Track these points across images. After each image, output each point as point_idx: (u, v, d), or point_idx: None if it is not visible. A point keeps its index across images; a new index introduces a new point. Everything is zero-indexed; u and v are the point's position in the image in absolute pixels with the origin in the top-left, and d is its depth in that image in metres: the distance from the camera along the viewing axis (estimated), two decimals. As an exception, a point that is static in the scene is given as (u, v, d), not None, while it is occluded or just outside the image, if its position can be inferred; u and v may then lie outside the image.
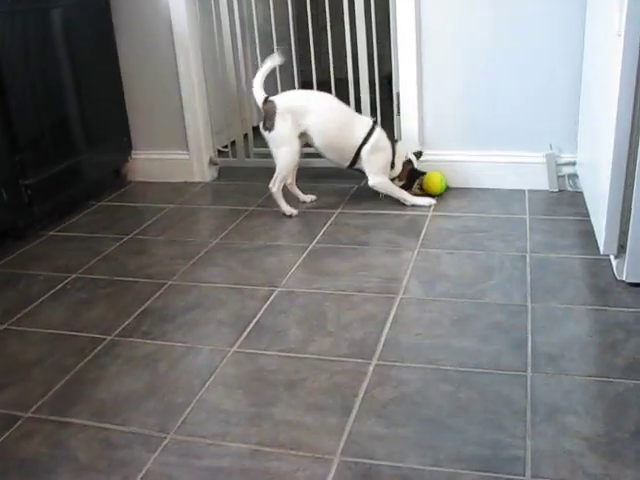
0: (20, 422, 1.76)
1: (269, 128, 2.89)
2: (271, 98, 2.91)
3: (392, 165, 3.03)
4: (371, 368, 1.86)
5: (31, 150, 2.93)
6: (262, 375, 1.86)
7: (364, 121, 3.01)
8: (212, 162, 3.58)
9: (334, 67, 3.32)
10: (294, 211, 2.98)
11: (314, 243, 2.67)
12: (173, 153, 3.58)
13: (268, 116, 2.89)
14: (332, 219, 2.90)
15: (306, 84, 3.48)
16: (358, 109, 3.31)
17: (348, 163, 3.04)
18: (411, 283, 2.32)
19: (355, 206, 3.03)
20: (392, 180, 3.04)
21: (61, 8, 3.07)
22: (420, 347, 1.94)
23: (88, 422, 1.74)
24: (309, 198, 3.16)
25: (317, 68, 3.43)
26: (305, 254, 2.58)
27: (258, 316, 2.16)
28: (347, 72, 3.32)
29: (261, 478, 1.50)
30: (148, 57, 3.46)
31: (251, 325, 2.11)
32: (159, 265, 2.59)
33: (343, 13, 3.21)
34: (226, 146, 3.62)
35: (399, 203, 3.01)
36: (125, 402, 1.80)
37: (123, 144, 3.60)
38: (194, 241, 2.80)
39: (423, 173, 3.10)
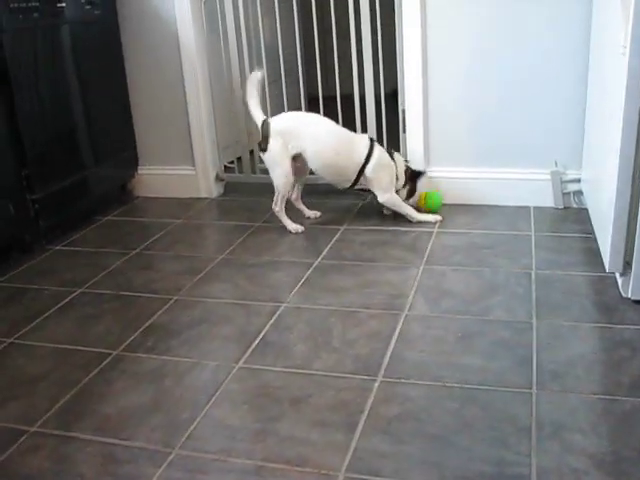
0: (25, 437, 1.76)
1: (264, 149, 2.93)
2: (268, 120, 2.95)
3: (396, 177, 3.03)
4: (376, 385, 1.86)
5: (38, 164, 2.95)
6: (267, 391, 1.86)
7: (362, 141, 2.99)
8: (218, 178, 3.60)
9: (340, 83, 3.34)
10: (300, 228, 2.99)
11: (320, 259, 2.68)
12: (179, 169, 3.59)
13: (263, 137, 2.93)
14: (338, 235, 2.90)
15: (312, 100, 3.50)
16: (364, 126, 3.33)
17: (350, 184, 3.03)
18: (416, 300, 2.32)
19: (361, 222, 3.04)
20: (398, 191, 3.04)
21: (70, 24, 3.09)
22: (425, 364, 1.94)
23: (93, 437, 1.74)
24: (313, 214, 3.17)
25: (323, 84, 3.45)
26: (311, 270, 2.58)
27: (264, 332, 2.17)
28: (353, 88, 3.33)
29: (266, 494, 1.51)
30: (155, 73, 3.48)
31: (257, 341, 2.12)
32: (165, 280, 2.60)
33: (349, 30, 3.22)
34: (232, 162, 3.63)
35: (405, 220, 3.02)
36: (130, 417, 1.80)
37: (130, 159, 3.62)
38: (200, 256, 2.81)
39: (422, 172, 3.09)
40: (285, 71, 3.42)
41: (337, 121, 3.34)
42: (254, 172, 3.57)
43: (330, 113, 3.32)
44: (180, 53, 3.40)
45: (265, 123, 2.94)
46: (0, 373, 2.05)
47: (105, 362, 2.07)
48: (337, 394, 1.83)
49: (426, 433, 1.65)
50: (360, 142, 2.99)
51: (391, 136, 3.32)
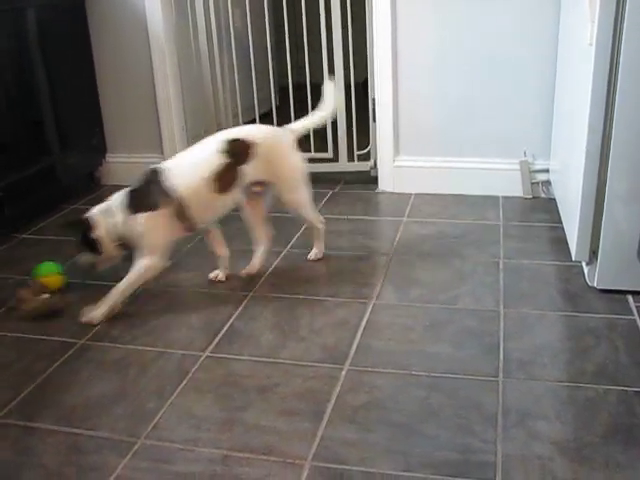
0: (-16, 427, 1.74)
1: None
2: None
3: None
4: (343, 373, 1.86)
5: (2, 152, 2.90)
6: (234, 380, 1.85)
7: None
8: (187, 166, 3.57)
9: (311, 73, 3.32)
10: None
11: (288, 248, 2.67)
12: (148, 157, 3.55)
13: None
14: (307, 224, 2.89)
15: (283, 89, 3.48)
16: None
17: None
18: (384, 289, 2.32)
19: (331, 210, 3.03)
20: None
21: (36, 8, 3.04)
22: (392, 352, 1.94)
23: (57, 427, 1.72)
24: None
25: (293, 74, 3.43)
26: (279, 259, 2.58)
27: (230, 321, 2.15)
28: (323, 78, 3.31)
29: (232, 483, 1.50)
30: (123, 59, 3.44)
31: (223, 330, 2.10)
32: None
33: (320, 17, 3.20)
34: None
35: (374, 209, 3.02)
36: (95, 407, 1.78)
37: (97, 147, 3.58)
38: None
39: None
40: (255, 59, 3.39)
41: (307, 110, 3.34)
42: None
43: (300, 102, 3.32)
44: (149, 39, 3.36)
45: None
46: None
47: (70, 352, 2.05)
48: (304, 383, 1.82)
49: (392, 421, 1.65)
50: None
51: (361, 125, 3.31)
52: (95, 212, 2.24)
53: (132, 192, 2.23)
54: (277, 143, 2.36)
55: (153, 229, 2.20)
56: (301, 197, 2.43)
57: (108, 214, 2.22)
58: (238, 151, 2.26)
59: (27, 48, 3.03)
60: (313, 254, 2.58)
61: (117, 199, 2.24)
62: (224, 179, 2.24)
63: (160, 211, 2.19)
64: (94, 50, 3.48)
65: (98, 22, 3.42)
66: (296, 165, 2.40)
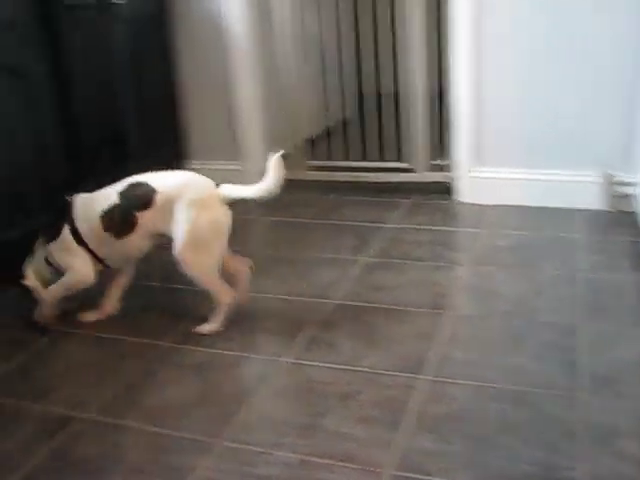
0: (73, 422, 1.80)
1: None
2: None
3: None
4: (422, 383, 1.86)
5: (88, 158, 2.99)
6: (314, 386, 1.87)
7: None
8: (266, 174, 3.61)
9: (388, 80, 3.34)
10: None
11: (368, 257, 2.68)
12: (226, 164, 3.62)
13: None
14: (386, 233, 2.90)
15: (362, 96, 3.50)
16: (414, 125, 3.30)
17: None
18: (463, 300, 2.31)
19: (409, 221, 3.03)
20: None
21: (122, 18, 3.13)
22: (472, 364, 1.93)
23: (140, 425, 1.77)
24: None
25: (375, 81, 3.45)
26: (358, 268, 2.59)
27: (312, 328, 2.18)
28: (398, 86, 3.32)
29: (311, 488, 1.52)
30: (206, 68, 3.52)
31: (305, 336, 2.13)
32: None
33: (394, 26, 3.21)
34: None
35: (452, 218, 3.01)
36: (178, 408, 1.83)
37: (177, 154, 3.65)
38: (247, 251, 2.81)
39: None
40: (337, 68, 3.42)
41: (389, 120, 3.36)
42: (301, 168, 3.57)
43: (382, 112, 3.35)
44: (231, 49, 3.42)
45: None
46: (51, 361, 2.09)
47: (154, 353, 2.10)
48: (383, 391, 1.83)
49: (472, 433, 1.65)
50: None
51: (441, 135, 3.30)
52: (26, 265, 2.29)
53: (44, 228, 2.30)
54: (182, 195, 2.14)
55: (62, 253, 2.25)
56: (196, 260, 2.15)
57: (35, 261, 2.28)
58: (135, 196, 2.19)
59: (113, 57, 3.12)
60: (206, 329, 2.21)
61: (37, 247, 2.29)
62: (117, 222, 2.20)
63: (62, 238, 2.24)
64: (177, 59, 3.56)
65: (181, 32, 3.50)
66: (199, 224, 2.14)
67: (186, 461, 1.63)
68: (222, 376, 1.96)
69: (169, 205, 2.14)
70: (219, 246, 2.20)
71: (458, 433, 1.65)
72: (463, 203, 3.20)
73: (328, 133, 3.57)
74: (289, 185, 3.57)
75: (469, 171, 3.17)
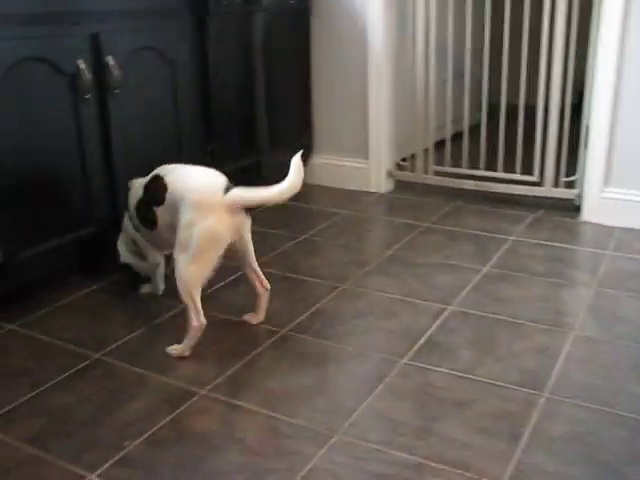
0: (196, 398, 1.85)
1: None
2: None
3: None
4: (542, 400, 1.82)
5: (221, 142, 3.07)
6: (431, 390, 1.86)
7: None
8: (389, 174, 3.62)
9: (519, 91, 3.28)
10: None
11: (488, 267, 2.64)
12: (352, 161, 3.64)
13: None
14: (507, 245, 2.85)
15: (491, 106, 3.45)
16: (544, 139, 3.24)
17: None
18: (587, 321, 2.25)
19: (531, 235, 2.97)
20: None
21: (263, 12, 3.20)
22: (594, 387, 1.88)
23: (258, 408, 1.80)
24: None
25: (506, 92, 3.39)
26: (478, 276, 2.56)
27: (429, 332, 2.17)
28: (536, 98, 3.25)
29: (425, 492, 1.51)
30: (340, 67, 3.54)
31: (422, 340, 2.12)
32: (331, 268, 2.64)
33: (538, 34, 3.15)
34: (405, 159, 3.63)
35: (576, 237, 2.94)
36: (294, 395, 1.85)
37: (305, 147, 3.68)
38: (367, 249, 2.85)
39: None
40: (470, 75, 3.39)
41: (517, 131, 3.30)
42: (426, 172, 3.56)
43: (510, 122, 3.29)
44: (367, 47, 3.43)
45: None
46: (174, 335, 2.15)
47: (273, 339, 2.14)
48: (501, 403, 1.81)
49: (593, 458, 1.60)
50: None
51: (571, 150, 3.22)
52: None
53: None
54: (187, 196, 2.01)
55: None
56: (184, 265, 2.01)
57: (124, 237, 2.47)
58: (153, 190, 2.16)
59: (252, 50, 3.19)
60: (174, 351, 2.07)
61: None
62: (144, 215, 2.23)
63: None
64: (312, 54, 3.60)
65: (320, 28, 3.54)
66: (194, 228, 1.98)
67: (303, 449, 1.65)
68: (340, 370, 1.97)
69: (175, 204, 2.05)
70: (210, 257, 2.01)
71: (579, 456, 1.61)
72: (589, 223, 3.11)
73: (453, 140, 3.53)
74: (412, 188, 3.59)
75: (601, 191, 3.08)
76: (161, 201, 2.12)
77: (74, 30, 2.33)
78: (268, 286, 2.22)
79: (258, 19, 3.18)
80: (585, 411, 1.78)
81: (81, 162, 2.44)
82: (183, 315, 2.09)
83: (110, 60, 2.44)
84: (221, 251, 2.02)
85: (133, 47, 2.55)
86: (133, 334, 2.18)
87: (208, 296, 2.28)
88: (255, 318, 2.25)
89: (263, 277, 2.21)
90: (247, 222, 2.11)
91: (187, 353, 2.06)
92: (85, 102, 2.40)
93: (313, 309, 2.32)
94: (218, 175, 2.10)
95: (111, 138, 2.52)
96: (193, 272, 2.01)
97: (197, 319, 2.03)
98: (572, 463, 1.59)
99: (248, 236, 2.14)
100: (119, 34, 2.48)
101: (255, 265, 2.19)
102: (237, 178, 3.13)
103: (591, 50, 3.03)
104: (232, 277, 2.54)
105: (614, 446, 1.64)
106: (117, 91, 2.48)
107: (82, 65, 2.35)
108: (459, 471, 1.57)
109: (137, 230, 2.33)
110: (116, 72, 2.45)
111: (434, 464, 1.59)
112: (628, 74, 2.93)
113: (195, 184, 2.05)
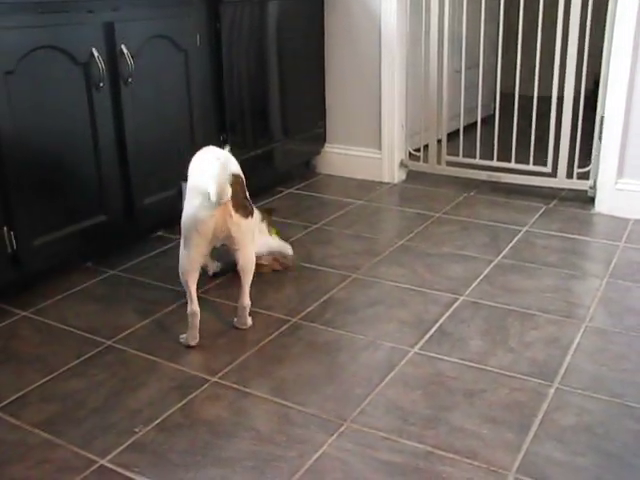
0: (207, 385, 1.86)
1: (250, 212, 2.06)
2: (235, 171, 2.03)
3: None
4: (552, 391, 1.82)
5: (234, 132, 3.08)
6: (441, 380, 1.87)
7: None
8: (402, 164, 3.61)
9: (533, 82, 3.26)
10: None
11: (500, 257, 2.64)
12: (365, 151, 3.64)
13: (242, 196, 2.03)
14: (519, 236, 2.85)
15: (505, 96, 3.43)
16: (558, 130, 3.22)
17: None
18: (598, 312, 2.25)
19: (544, 226, 2.96)
20: None
21: (278, 1, 3.20)
22: (604, 378, 1.88)
23: (269, 396, 1.81)
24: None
25: (519, 83, 3.38)
26: (490, 267, 2.55)
27: (440, 321, 2.17)
28: (550, 89, 3.23)
29: (434, 480, 1.52)
30: (353, 56, 3.54)
31: (433, 329, 2.12)
32: (343, 257, 2.65)
33: (555, 25, 3.13)
34: (418, 149, 3.63)
35: (589, 228, 2.93)
36: (305, 384, 1.86)
37: (318, 136, 3.70)
38: (379, 239, 2.84)
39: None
40: (483, 64, 3.37)
41: (530, 122, 3.28)
42: (439, 162, 3.55)
43: (522, 111, 3.28)
44: (380, 37, 3.43)
45: (233, 176, 1.96)
46: (185, 323, 2.16)
47: (284, 327, 2.15)
48: (511, 393, 1.81)
49: (603, 449, 1.60)
50: None
51: (585, 141, 3.21)
52: None
53: None
54: (189, 179, 2.02)
55: None
56: (180, 249, 2.01)
57: None
58: None
59: (266, 36, 3.19)
60: (182, 338, 2.09)
61: None
62: None
63: None
64: (326, 42, 3.60)
65: (333, 16, 3.54)
66: (185, 212, 1.98)
67: (313, 436, 1.66)
68: (351, 358, 1.98)
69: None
70: (196, 244, 1.96)
71: (588, 447, 1.61)
72: (603, 214, 3.10)
73: (466, 130, 3.52)
74: (425, 178, 3.59)
75: (615, 182, 3.06)
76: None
77: (88, 19, 2.34)
78: (245, 304, 2.13)
79: (272, 7, 3.18)
80: (595, 402, 1.78)
81: (94, 151, 2.45)
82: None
83: (124, 49, 2.45)
84: (206, 240, 1.96)
85: (146, 36, 2.56)
86: (145, 321, 2.20)
87: (220, 284, 2.30)
88: (238, 323, 2.17)
89: (244, 295, 2.12)
90: (240, 222, 1.98)
91: (192, 342, 2.06)
92: (99, 90, 2.41)
93: (324, 298, 2.33)
94: (223, 162, 1.92)
95: (124, 127, 2.53)
96: (182, 256, 2.00)
97: (189, 306, 2.04)
98: (581, 453, 1.59)
99: (241, 238, 2.02)
100: (132, 23, 2.49)
101: (243, 281, 2.11)
102: (250, 167, 3.17)
103: (606, 41, 3.00)
104: (243, 266, 2.55)
105: (623, 437, 1.64)
106: (130, 80, 2.49)
107: (96, 53, 2.36)
108: (468, 460, 1.57)
109: None
110: (130, 61, 2.46)
111: (443, 453, 1.59)
112: (643, 65, 2.92)
113: (199, 167, 1.99)
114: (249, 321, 2.16)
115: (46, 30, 2.22)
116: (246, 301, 2.12)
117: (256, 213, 2.25)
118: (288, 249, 2.54)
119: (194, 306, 2.04)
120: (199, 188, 1.91)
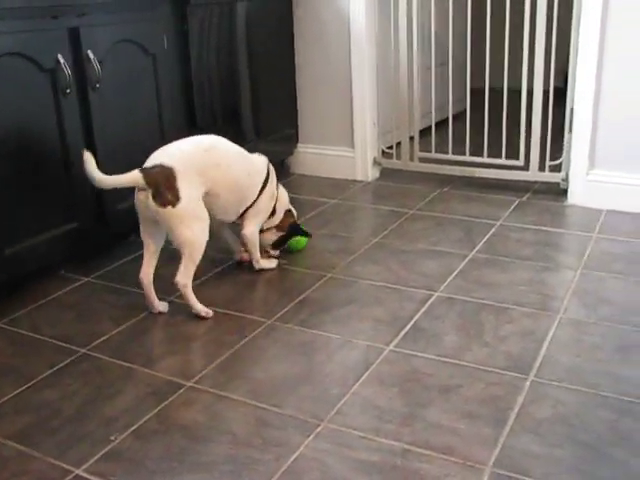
0: (182, 390, 1.85)
1: (171, 202, 2.14)
2: (158, 162, 2.17)
3: (273, 212, 2.58)
4: (527, 384, 1.83)
5: (205, 133, 3.05)
6: (417, 377, 1.87)
7: (260, 159, 2.55)
8: (376, 162, 3.62)
9: (506, 75, 3.28)
10: (209, 312, 2.25)
11: (474, 252, 2.65)
12: (338, 150, 3.64)
13: (166, 185, 2.14)
14: (493, 230, 2.86)
15: (476, 91, 3.45)
16: (528, 123, 3.23)
17: (237, 216, 2.48)
18: (572, 303, 2.26)
19: (517, 219, 2.98)
20: (269, 229, 2.59)
21: (246, 1, 3.19)
22: (579, 369, 1.89)
23: (245, 399, 1.81)
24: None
25: (489, 75, 3.39)
26: (465, 262, 2.56)
27: (415, 318, 2.17)
28: (519, 82, 3.24)
29: (411, 478, 1.51)
30: (323, 55, 3.54)
31: (408, 326, 2.13)
32: (318, 257, 2.65)
33: (522, 19, 3.14)
34: (391, 147, 3.63)
35: (564, 221, 2.94)
36: (281, 385, 1.86)
37: (290, 136, 3.69)
38: (353, 238, 2.84)
39: (306, 234, 2.68)
40: (452, 60, 3.38)
41: (501, 116, 3.30)
42: (412, 159, 3.56)
43: (494, 106, 3.29)
44: (350, 35, 3.43)
45: (156, 167, 2.15)
46: (160, 328, 2.17)
47: (259, 329, 2.14)
48: (487, 388, 1.81)
49: (578, 440, 1.61)
50: (257, 161, 2.53)
51: (555, 134, 3.23)
52: None
53: None
54: None
55: None
56: None
57: None
58: None
59: (234, 40, 3.18)
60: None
61: None
62: None
63: None
64: (296, 44, 3.60)
65: (302, 17, 3.53)
66: None
67: (290, 438, 1.65)
68: (326, 358, 1.97)
69: None
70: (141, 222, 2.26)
71: (564, 438, 1.62)
72: (576, 206, 3.12)
73: (438, 126, 3.53)
74: (399, 175, 3.60)
75: (586, 174, 3.08)
76: None
77: (52, 24, 2.32)
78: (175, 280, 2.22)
79: (240, 8, 3.17)
80: (570, 393, 1.79)
81: (64, 158, 2.43)
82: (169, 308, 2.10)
83: (90, 54, 2.43)
84: (143, 221, 2.24)
85: (113, 40, 2.54)
86: (119, 328, 2.18)
87: (194, 288, 2.28)
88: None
89: (178, 272, 2.23)
90: (158, 209, 2.15)
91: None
92: (66, 97, 2.39)
93: (300, 298, 2.32)
94: (165, 149, 2.25)
95: (93, 132, 2.51)
96: None
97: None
98: (558, 445, 1.60)
99: (166, 224, 2.19)
100: (98, 28, 2.47)
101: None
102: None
103: (573, 33, 3.02)
104: (217, 269, 2.55)
105: (599, 427, 1.65)
106: (98, 85, 2.47)
107: (62, 60, 2.34)
108: (445, 456, 1.57)
109: None
110: (97, 66, 2.45)
111: (420, 450, 1.59)
112: (610, 57, 2.93)
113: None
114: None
115: (10, 37, 2.19)
116: (177, 278, 2.22)
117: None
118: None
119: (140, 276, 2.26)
120: None
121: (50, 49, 2.32)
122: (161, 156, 2.19)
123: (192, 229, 2.17)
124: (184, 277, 2.20)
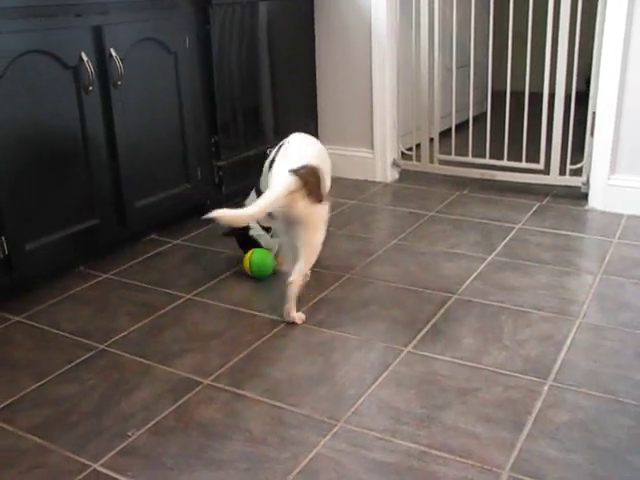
0: (199, 387, 1.86)
1: (320, 199, 2.18)
2: (303, 164, 2.15)
3: None
4: (546, 388, 1.82)
5: (226, 133, 3.08)
6: (435, 379, 1.86)
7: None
8: (395, 164, 3.61)
9: (528, 79, 3.26)
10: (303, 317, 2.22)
11: (493, 255, 2.64)
12: (358, 151, 3.64)
13: (314, 185, 2.16)
14: (512, 233, 2.85)
15: (496, 94, 3.44)
16: (549, 126, 3.22)
17: None
18: (592, 308, 2.24)
19: (537, 223, 2.96)
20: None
21: (268, 1, 3.19)
22: (598, 375, 1.88)
23: (262, 398, 1.81)
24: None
25: (511, 79, 3.38)
26: (484, 265, 2.55)
27: (433, 320, 2.17)
28: (541, 86, 3.23)
29: (428, 480, 1.51)
30: (344, 56, 3.54)
31: (426, 328, 2.12)
32: (337, 258, 2.65)
33: (545, 21, 3.12)
34: (410, 149, 3.62)
35: (582, 224, 2.93)
36: (298, 385, 1.86)
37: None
38: (372, 239, 2.84)
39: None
40: (474, 62, 3.37)
41: (522, 119, 3.28)
42: (432, 161, 3.55)
43: (516, 110, 3.28)
44: (371, 36, 3.43)
45: (308, 167, 2.15)
46: (178, 326, 2.17)
47: (277, 328, 2.14)
48: (505, 392, 1.80)
49: (596, 445, 1.60)
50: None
51: (577, 138, 3.21)
52: None
53: None
54: None
55: None
56: None
57: None
58: None
59: (256, 39, 3.19)
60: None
61: None
62: None
63: None
64: (317, 45, 3.60)
65: (324, 16, 3.53)
66: None
67: (306, 437, 1.65)
68: (344, 359, 1.97)
69: None
70: None
71: (582, 443, 1.61)
72: (596, 210, 3.10)
73: (458, 128, 3.52)
74: (418, 177, 3.59)
75: (607, 178, 3.06)
76: None
77: (76, 22, 2.34)
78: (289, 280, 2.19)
79: (262, 8, 3.18)
80: (589, 398, 1.77)
81: (85, 155, 2.44)
82: (184, 307, 2.10)
83: (113, 52, 2.45)
84: (285, 225, 2.23)
85: (135, 39, 2.55)
86: (138, 325, 2.19)
87: (212, 287, 2.29)
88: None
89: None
90: (310, 208, 2.15)
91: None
92: (88, 94, 2.40)
93: (318, 298, 2.32)
94: (296, 151, 2.28)
95: (115, 130, 2.53)
96: None
97: None
98: (575, 450, 1.59)
99: (301, 229, 2.18)
100: (121, 26, 2.49)
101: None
102: (246, 165, 3.17)
103: (597, 36, 3.00)
104: (235, 268, 2.55)
105: (617, 433, 1.64)
106: (120, 83, 2.49)
107: (85, 57, 2.35)
108: (462, 459, 1.57)
109: None
110: (119, 64, 2.46)
111: (437, 452, 1.59)
112: (634, 60, 2.91)
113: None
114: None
115: (34, 34, 2.21)
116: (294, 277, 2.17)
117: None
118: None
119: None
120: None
121: (73, 47, 2.33)
122: (300, 158, 2.18)
123: (323, 230, 2.23)
124: (299, 275, 2.18)
